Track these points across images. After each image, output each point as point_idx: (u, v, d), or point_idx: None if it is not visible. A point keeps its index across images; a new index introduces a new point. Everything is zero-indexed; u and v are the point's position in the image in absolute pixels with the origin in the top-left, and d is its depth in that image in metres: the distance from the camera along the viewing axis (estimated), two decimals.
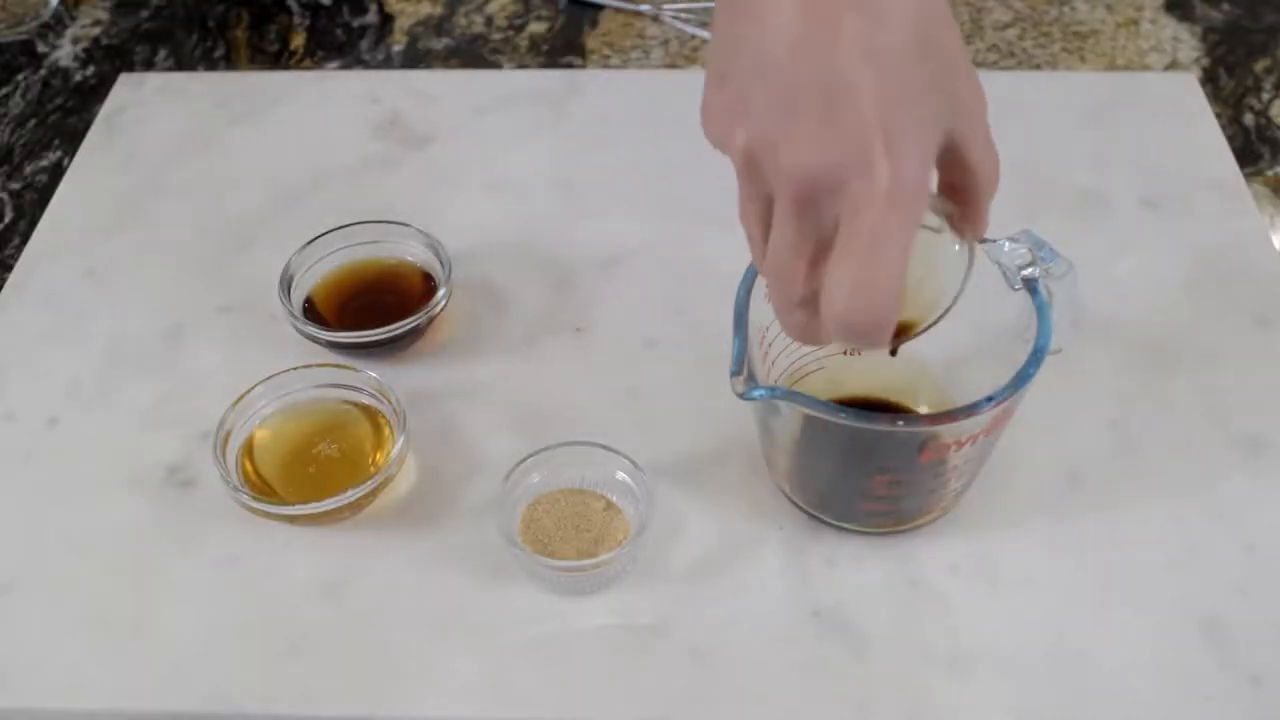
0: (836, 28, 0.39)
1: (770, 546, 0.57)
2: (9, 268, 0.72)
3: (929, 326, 0.46)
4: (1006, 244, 0.52)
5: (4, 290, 0.70)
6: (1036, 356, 0.49)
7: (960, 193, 0.46)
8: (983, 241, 0.53)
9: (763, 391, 0.48)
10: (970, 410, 0.48)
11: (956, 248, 0.46)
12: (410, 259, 0.67)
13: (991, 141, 0.46)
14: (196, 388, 0.64)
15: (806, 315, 0.43)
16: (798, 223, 0.41)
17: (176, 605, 0.55)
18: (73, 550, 0.58)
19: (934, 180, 0.45)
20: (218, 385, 0.64)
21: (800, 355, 0.58)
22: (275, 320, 0.67)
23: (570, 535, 0.55)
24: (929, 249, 0.45)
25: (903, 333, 0.46)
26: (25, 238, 0.74)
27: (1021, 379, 0.48)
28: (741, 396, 0.48)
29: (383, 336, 0.62)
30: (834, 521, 0.57)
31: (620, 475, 0.56)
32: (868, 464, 0.52)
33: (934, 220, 0.45)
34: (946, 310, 0.46)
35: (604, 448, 0.56)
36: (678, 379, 0.64)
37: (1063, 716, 0.51)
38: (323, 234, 0.66)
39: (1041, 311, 0.50)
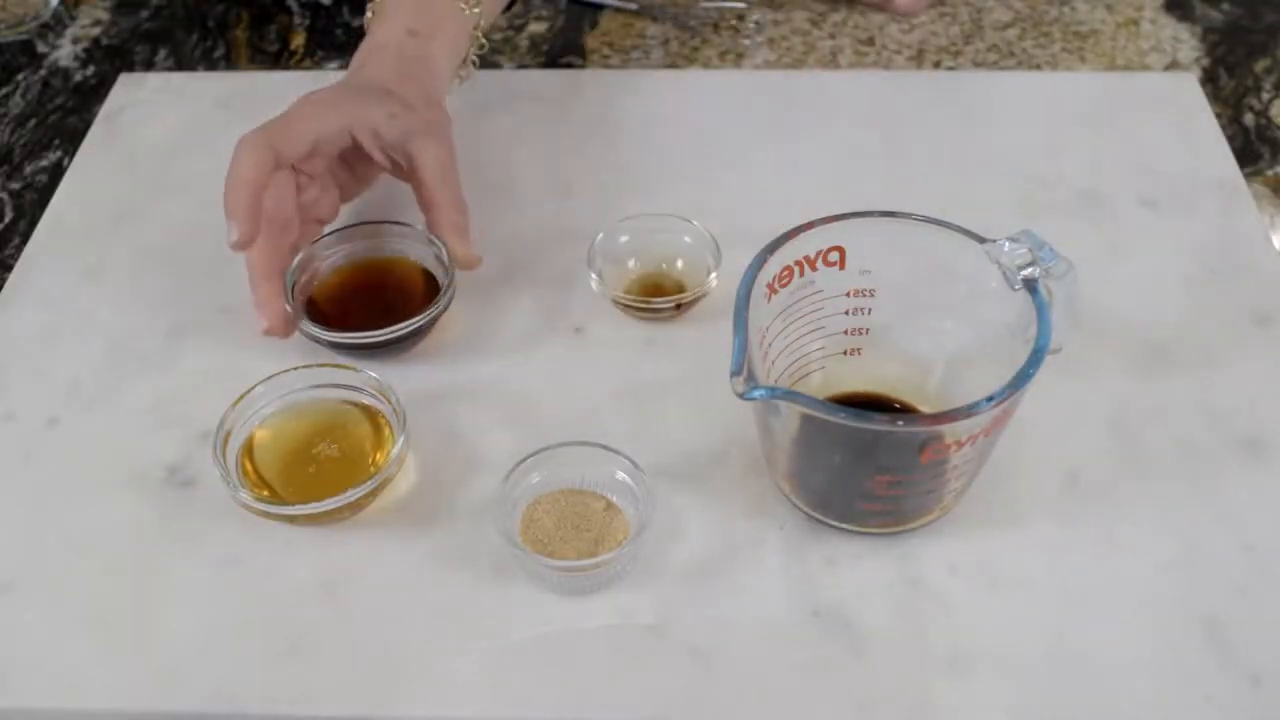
0: None
1: (770, 546, 0.57)
2: (9, 268, 0.72)
3: None
4: (1007, 244, 0.52)
5: (4, 290, 0.70)
6: (1036, 356, 0.49)
7: (424, 207, 0.65)
8: (984, 241, 0.53)
9: (763, 391, 0.48)
10: (970, 410, 0.48)
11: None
12: (412, 258, 0.67)
13: (450, 176, 0.65)
14: (196, 388, 0.64)
15: None
16: None
17: (176, 605, 0.55)
18: (73, 550, 0.58)
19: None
20: (218, 385, 0.64)
21: (800, 355, 0.58)
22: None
23: (570, 535, 0.55)
24: None
25: None
26: (25, 238, 0.74)
27: (1021, 379, 0.48)
28: (741, 396, 0.48)
29: (386, 337, 0.62)
30: (834, 522, 0.57)
31: (620, 475, 0.56)
32: (867, 464, 0.52)
33: None
34: None
35: (604, 448, 0.56)
36: (678, 379, 0.64)
37: (1063, 716, 0.51)
38: (326, 234, 0.66)
39: (1041, 311, 0.50)
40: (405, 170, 0.65)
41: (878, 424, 0.49)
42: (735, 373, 0.48)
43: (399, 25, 0.68)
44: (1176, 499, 0.58)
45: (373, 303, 0.66)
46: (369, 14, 0.71)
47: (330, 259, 0.67)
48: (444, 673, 0.53)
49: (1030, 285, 0.51)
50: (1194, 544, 0.56)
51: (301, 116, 0.64)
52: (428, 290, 0.66)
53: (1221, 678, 0.52)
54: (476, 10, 0.71)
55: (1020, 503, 0.58)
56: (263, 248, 0.62)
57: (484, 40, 0.73)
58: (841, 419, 0.48)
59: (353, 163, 0.67)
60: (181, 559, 0.57)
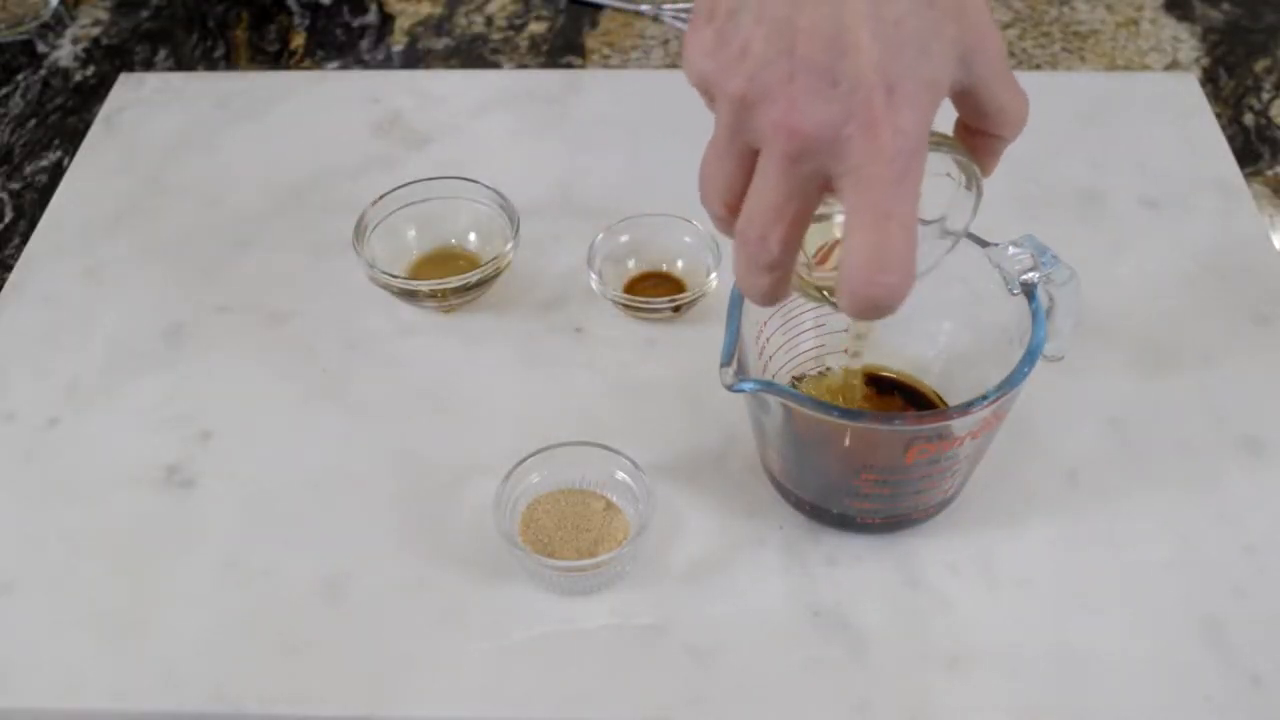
0: None
1: (770, 546, 0.57)
2: (9, 268, 0.72)
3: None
4: (1010, 248, 0.52)
5: (4, 290, 0.70)
6: (1029, 358, 0.49)
7: (978, 135, 0.45)
8: (984, 244, 0.53)
9: (750, 384, 0.48)
10: (962, 410, 0.48)
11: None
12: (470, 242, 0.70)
13: (1013, 81, 0.43)
14: (196, 388, 0.64)
15: (773, 280, 0.42)
16: (785, 180, 0.39)
17: (176, 605, 0.55)
18: (73, 550, 0.58)
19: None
20: (218, 385, 0.65)
21: (799, 353, 0.58)
22: (275, 320, 0.67)
23: (570, 535, 0.55)
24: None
25: None
26: (25, 238, 0.74)
27: (1013, 381, 0.48)
28: (729, 388, 0.48)
29: (457, 284, 0.64)
30: (827, 520, 0.56)
31: (620, 475, 0.56)
32: (854, 462, 0.52)
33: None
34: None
35: (604, 448, 0.56)
36: (678, 379, 0.64)
37: (1063, 716, 0.51)
38: (392, 189, 0.68)
39: (1037, 316, 0.50)
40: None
41: (863, 422, 0.49)
42: (724, 364, 0.48)
43: None
44: (1176, 499, 0.58)
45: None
46: None
47: (401, 213, 0.69)
48: (444, 673, 0.53)
49: (1029, 290, 0.51)
50: (1194, 544, 0.56)
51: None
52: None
53: (1221, 678, 0.52)
54: None
55: (1020, 502, 0.58)
56: None
57: None
58: (824, 416, 0.48)
59: None
60: (181, 559, 0.57)
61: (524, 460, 0.56)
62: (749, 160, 0.40)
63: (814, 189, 0.39)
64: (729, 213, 0.42)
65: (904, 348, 0.59)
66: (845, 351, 0.57)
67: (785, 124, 0.38)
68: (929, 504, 0.55)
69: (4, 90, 0.86)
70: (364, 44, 0.89)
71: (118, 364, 0.66)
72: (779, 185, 0.39)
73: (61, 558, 0.57)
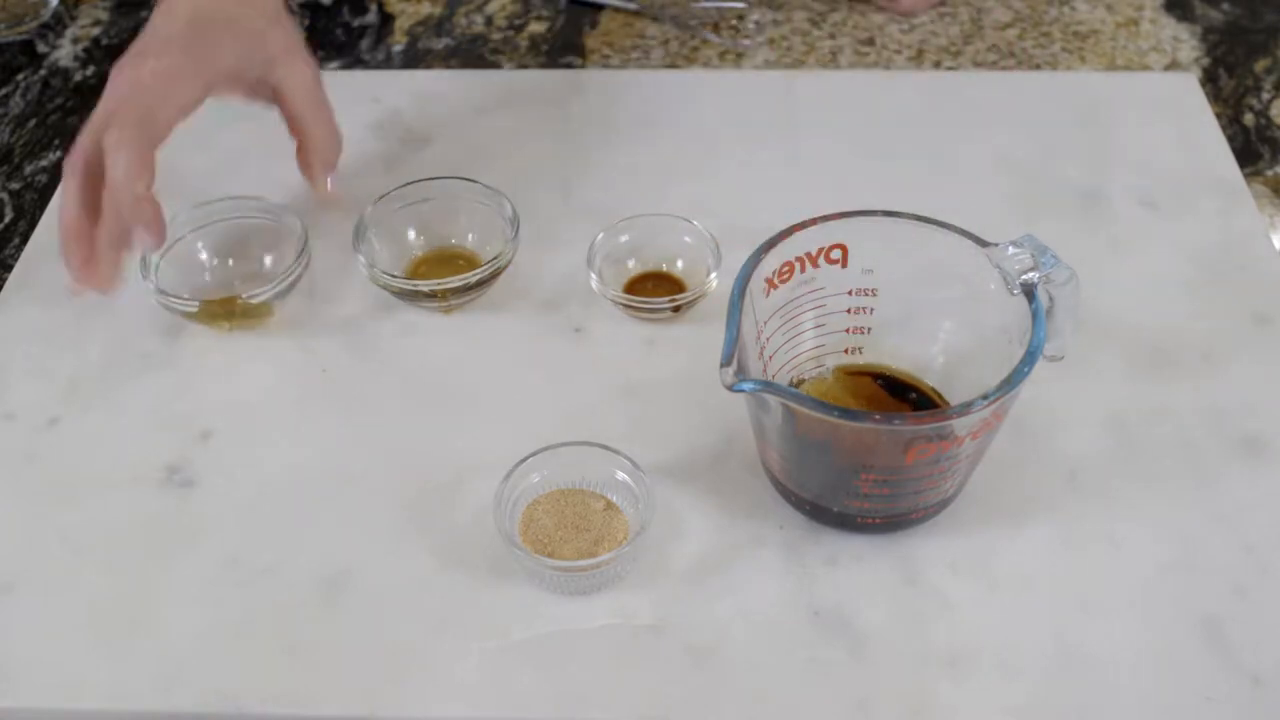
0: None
1: (770, 546, 0.57)
2: (9, 268, 0.72)
3: None
4: (1010, 248, 0.52)
5: (4, 290, 0.70)
6: (1029, 358, 0.49)
7: (295, 138, 0.65)
8: (984, 244, 0.53)
9: (750, 384, 0.48)
10: (962, 410, 0.48)
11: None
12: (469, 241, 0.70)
13: (318, 98, 0.65)
14: (196, 388, 0.64)
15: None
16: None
17: (176, 605, 0.55)
18: (73, 550, 0.58)
19: None
20: (218, 385, 0.65)
21: (798, 353, 0.59)
22: (275, 320, 0.67)
23: (570, 535, 0.55)
24: None
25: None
26: (25, 238, 0.74)
27: (1013, 381, 0.48)
28: (729, 388, 0.48)
29: (457, 284, 0.64)
30: (828, 520, 0.56)
31: (620, 475, 0.56)
32: (854, 462, 0.52)
33: None
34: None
35: (604, 448, 0.56)
36: (678, 379, 0.64)
37: (1063, 716, 0.51)
38: (392, 189, 0.69)
39: (1037, 316, 0.50)
40: (271, 98, 0.64)
41: (862, 422, 0.49)
42: (724, 364, 0.48)
43: None
44: (1176, 499, 0.58)
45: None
46: None
47: (401, 213, 0.69)
48: (444, 673, 0.53)
49: (1029, 290, 0.51)
50: (1194, 544, 0.56)
51: (161, 99, 0.60)
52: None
53: (1221, 678, 0.52)
54: None
55: (1020, 502, 0.58)
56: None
57: None
58: (824, 416, 0.48)
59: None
60: (181, 559, 0.57)
61: (524, 460, 0.56)
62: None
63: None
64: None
65: (904, 348, 0.59)
66: None
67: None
68: (929, 504, 0.55)
69: (4, 90, 0.86)
70: (364, 44, 0.89)
71: (118, 364, 0.66)
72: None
73: (61, 558, 0.57)
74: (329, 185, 0.65)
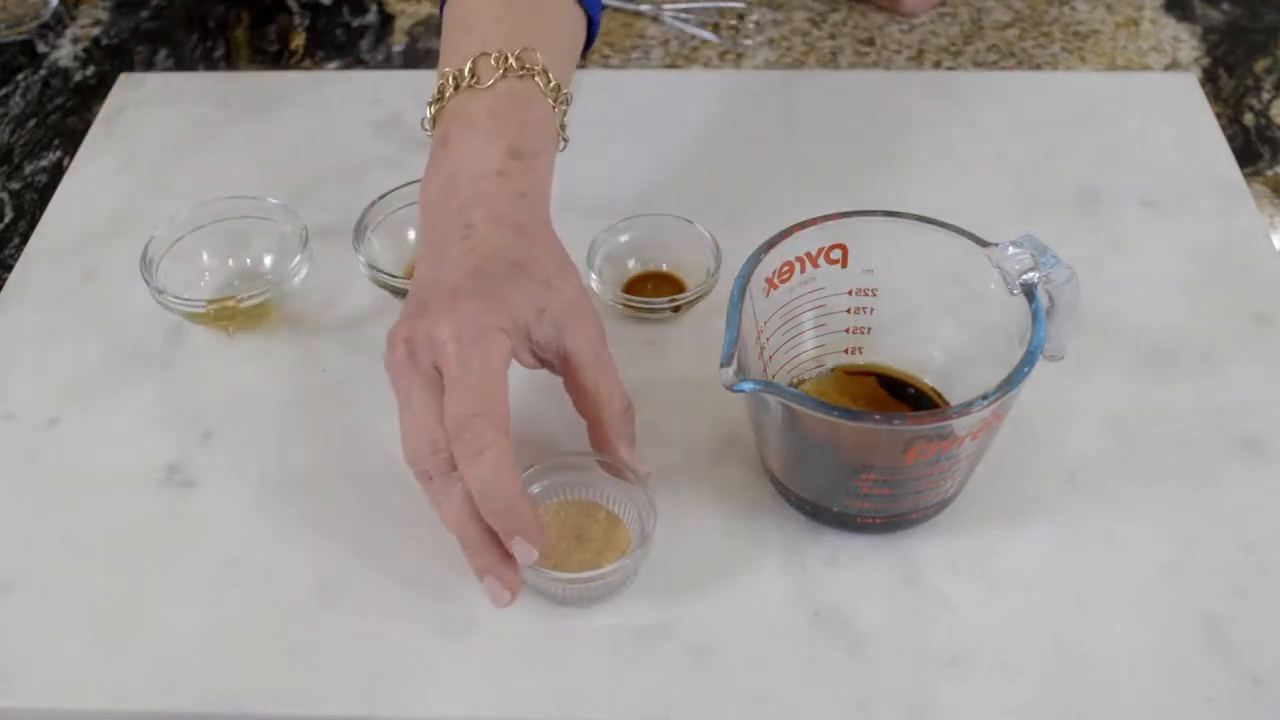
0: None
1: (770, 546, 0.57)
2: (9, 268, 0.72)
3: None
4: (1010, 248, 0.52)
5: (4, 290, 0.70)
6: (1029, 358, 0.49)
7: (587, 412, 0.55)
8: (984, 244, 0.53)
9: (750, 384, 0.48)
10: (962, 410, 0.48)
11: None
12: None
13: (607, 363, 0.55)
14: (196, 388, 0.64)
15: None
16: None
17: (176, 605, 0.55)
18: (73, 550, 0.58)
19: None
20: (218, 385, 0.65)
21: (798, 353, 0.58)
22: (275, 319, 0.67)
23: (573, 547, 0.55)
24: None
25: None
26: (25, 238, 0.74)
27: (1013, 381, 0.48)
28: (729, 388, 0.48)
29: None
30: (828, 520, 0.56)
31: (621, 485, 0.56)
32: (854, 462, 0.52)
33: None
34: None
35: (603, 458, 0.56)
36: (678, 379, 0.64)
37: (1063, 716, 0.51)
38: (392, 190, 0.68)
39: (1037, 316, 0.50)
40: (555, 363, 0.55)
41: (863, 422, 0.49)
42: (724, 364, 0.48)
43: (497, 142, 0.54)
44: (1176, 499, 0.58)
45: None
46: (437, 93, 0.57)
47: (398, 215, 0.69)
48: (444, 673, 0.53)
49: (1029, 290, 0.51)
50: (1194, 544, 0.56)
51: (487, 370, 0.50)
52: None
53: (1221, 678, 0.52)
54: (565, 107, 0.57)
55: (1020, 502, 0.58)
56: None
57: (565, 138, 0.59)
58: (824, 416, 0.48)
59: None
60: (181, 559, 0.57)
61: (525, 471, 0.55)
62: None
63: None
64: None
65: (904, 348, 0.59)
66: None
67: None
68: (929, 504, 0.55)
69: (4, 90, 0.86)
70: (364, 44, 0.89)
71: (118, 364, 0.66)
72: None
73: (61, 558, 0.57)
74: (641, 466, 0.55)
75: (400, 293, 0.66)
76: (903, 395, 0.59)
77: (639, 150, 0.77)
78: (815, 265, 0.55)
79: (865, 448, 0.51)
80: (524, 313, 0.52)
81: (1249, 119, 0.81)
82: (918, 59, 0.86)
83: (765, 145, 0.77)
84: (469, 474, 0.49)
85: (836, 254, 0.55)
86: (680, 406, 0.62)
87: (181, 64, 0.88)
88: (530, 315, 0.52)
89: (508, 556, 0.51)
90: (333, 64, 0.87)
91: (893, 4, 0.89)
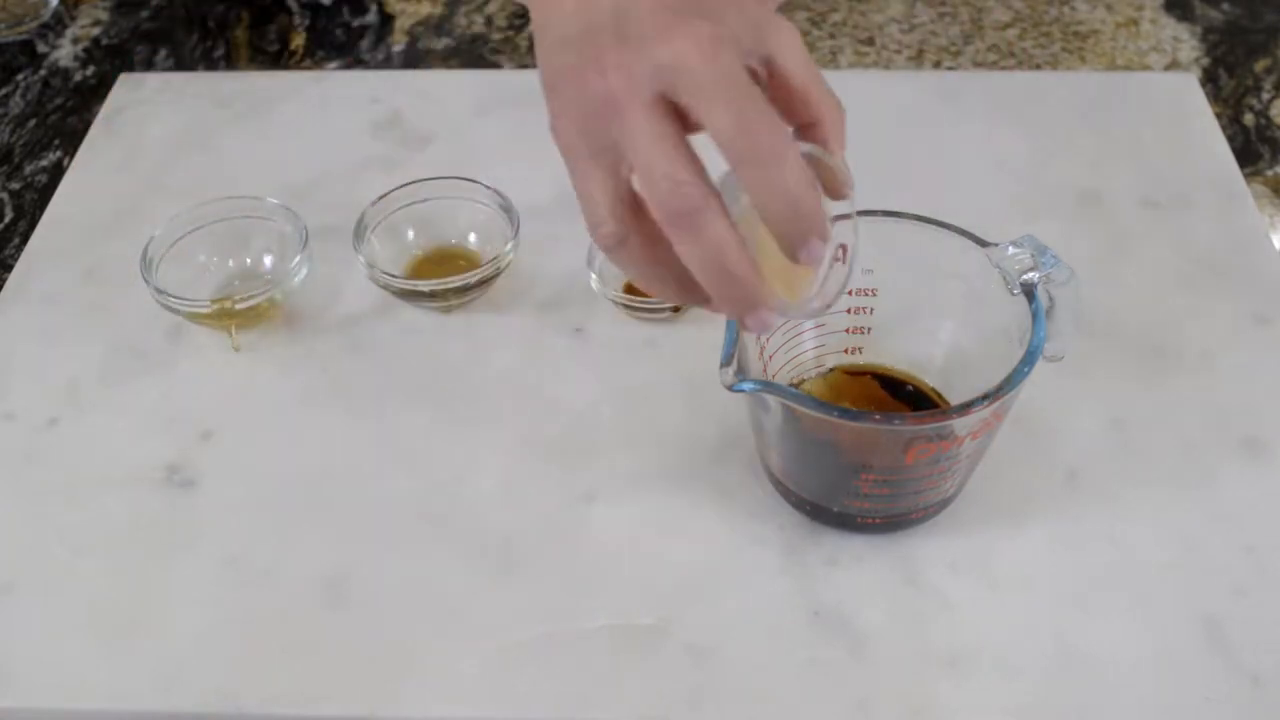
0: None
1: (770, 546, 0.57)
2: (9, 268, 0.72)
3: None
4: (1010, 248, 0.52)
5: (4, 290, 0.70)
6: (1029, 358, 0.49)
7: (799, 115, 0.50)
8: (984, 244, 0.53)
9: (750, 384, 0.48)
10: (962, 410, 0.48)
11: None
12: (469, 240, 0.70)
13: (814, 65, 0.51)
14: (196, 388, 0.64)
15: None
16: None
17: (176, 605, 0.55)
18: (73, 550, 0.58)
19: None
20: (218, 385, 0.65)
21: (799, 353, 0.58)
22: (275, 319, 0.67)
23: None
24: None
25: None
26: (25, 238, 0.74)
27: (1013, 381, 0.48)
28: (729, 388, 0.48)
29: (457, 284, 0.64)
30: (828, 520, 0.56)
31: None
32: (854, 462, 0.52)
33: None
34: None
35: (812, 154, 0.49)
36: (678, 379, 0.64)
37: (1063, 716, 0.51)
38: (392, 190, 0.68)
39: (1037, 316, 0.50)
40: (756, 75, 0.49)
41: (863, 422, 0.49)
42: (724, 364, 0.48)
43: None
44: (1176, 499, 0.58)
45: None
46: None
47: (400, 213, 0.69)
48: (444, 673, 0.53)
49: (1029, 290, 0.51)
50: (1194, 544, 0.56)
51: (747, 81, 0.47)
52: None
53: (1221, 678, 0.52)
54: None
55: (1020, 502, 0.58)
56: None
57: None
58: (824, 415, 0.48)
59: None
60: (181, 559, 0.57)
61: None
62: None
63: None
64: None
65: (904, 348, 0.59)
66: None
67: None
68: (929, 504, 0.55)
69: (4, 90, 0.86)
70: (364, 44, 0.89)
71: (118, 364, 0.66)
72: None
73: (61, 558, 0.57)
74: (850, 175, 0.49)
75: (400, 293, 0.66)
76: (902, 395, 0.59)
77: None
78: None
79: (865, 448, 0.51)
80: (733, 25, 0.47)
81: (1249, 119, 0.81)
82: (918, 59, 0.86)
83: None
84: (775, 178, 0.44)
85: (837, 254, 0.55)
86: (680, 406, 0.62)
87: (181, 64, 0.88)
88: (740, 28, 0.48)
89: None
90: (333, 64, 0.88)
91: None
